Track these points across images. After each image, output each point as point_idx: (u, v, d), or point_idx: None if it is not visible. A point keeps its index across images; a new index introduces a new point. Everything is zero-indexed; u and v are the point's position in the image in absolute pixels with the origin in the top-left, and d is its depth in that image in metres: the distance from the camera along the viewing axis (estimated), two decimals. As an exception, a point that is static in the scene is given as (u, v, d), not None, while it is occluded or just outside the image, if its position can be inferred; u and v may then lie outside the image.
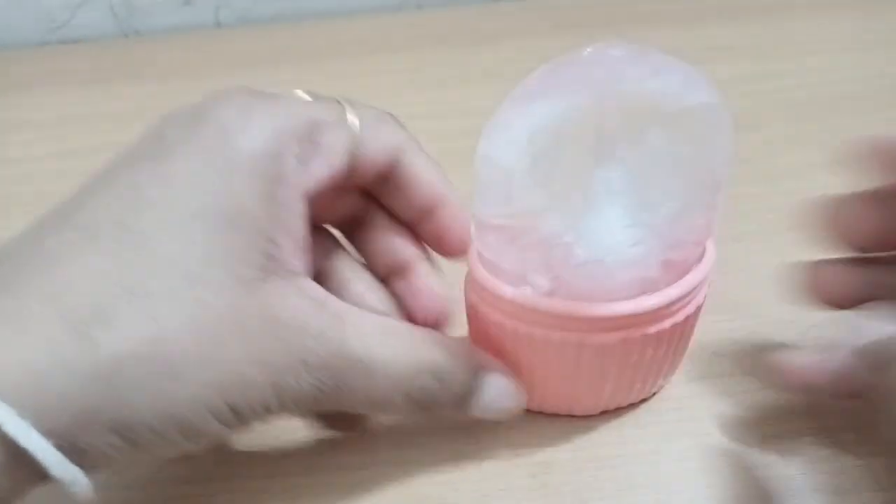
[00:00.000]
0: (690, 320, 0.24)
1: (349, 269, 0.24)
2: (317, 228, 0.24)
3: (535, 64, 0.21)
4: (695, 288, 0.23)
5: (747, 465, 0.24)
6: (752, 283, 0.30)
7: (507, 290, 0.22)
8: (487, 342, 0.23)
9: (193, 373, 0.19)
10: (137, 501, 0.25)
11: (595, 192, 0.21)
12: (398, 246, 0.24)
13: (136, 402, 0.18)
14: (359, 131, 0.22)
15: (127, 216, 0.19)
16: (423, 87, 0.45)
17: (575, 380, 0.23)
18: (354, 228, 0.25)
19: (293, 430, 0.25)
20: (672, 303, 0.22)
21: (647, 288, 0.22)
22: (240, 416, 0.20)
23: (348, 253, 0.25)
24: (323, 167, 0.21)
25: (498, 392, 0.23)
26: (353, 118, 0.23)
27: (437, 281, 0.24)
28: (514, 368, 0.24)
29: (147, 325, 0.19)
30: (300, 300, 0.21)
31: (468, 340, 0.24)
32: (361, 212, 0.25)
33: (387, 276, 0.24)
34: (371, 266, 0.24)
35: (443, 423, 0.25)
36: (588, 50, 0.21)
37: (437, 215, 0.23)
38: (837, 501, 0.22)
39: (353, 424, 0.25)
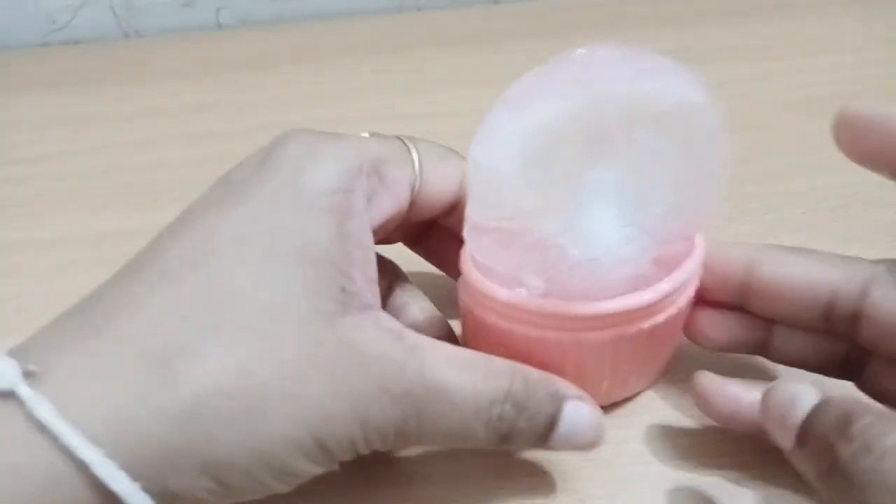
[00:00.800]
0: (683, 313, 0.24)
1: (407, 294, 0.26)
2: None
3: (535, 65, 0.21)
4: (686, 281, 0.23)
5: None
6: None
7: (502, 293, 0.22)
8: (482, 344, 0.23)
9: (278, 408, 0.19)
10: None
11: (588, 193, 0.21)
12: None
13: (223, 439, 0.18)
14: (419, 168, 0.24)
15: (203, 257, 0.20)
16: (422, 89, 0.45)
17: (571, 378, 0.23)
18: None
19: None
20: (665, 297, 0.22)
21: (640, 284, 0.22)
22: (327, 452, 0.20)
23: (406, 278, 0.26)
24: (389, 202, 0.23)
25: (578, 419, 0.22)
26: (415, 155, 0.24)
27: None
28: None
29: (227, 359, 0.19)
30: (377, 332, 0.21)
31: (547, 372, 0.23)
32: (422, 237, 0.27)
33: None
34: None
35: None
36: (579, 51, 0.21)
37: None
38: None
39: None
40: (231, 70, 0.47)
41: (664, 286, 0.22)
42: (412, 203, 0.24)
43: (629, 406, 0.26)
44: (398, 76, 0.46)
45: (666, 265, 0.22)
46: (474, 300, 0.23)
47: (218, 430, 0.18)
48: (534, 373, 0.22)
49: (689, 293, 0.24)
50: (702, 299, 0.24)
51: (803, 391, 0.20)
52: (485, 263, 0.23)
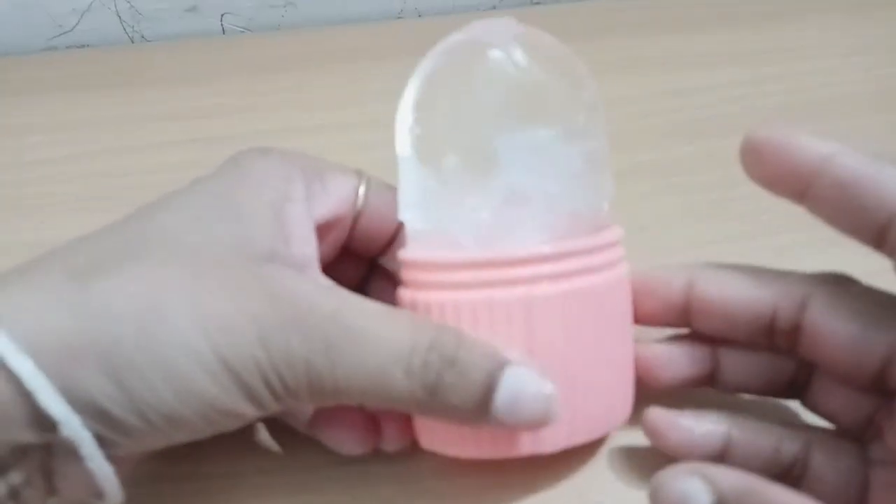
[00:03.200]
0: (625, 292, 0.24)
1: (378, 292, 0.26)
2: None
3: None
4: (614, 244, 0.23)
5: None
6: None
7: (437, 255, 0.23)
8: None
9: (181, 317, 0.20)
10: (138, 497, 0.25)
11: (501, 156, 0.22)
12: None
13: (125, 340, 0.19)
14: (365, 190, 0.25)
15: (149, 213, 0.22)
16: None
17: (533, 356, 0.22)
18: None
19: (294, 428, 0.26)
20: (603, 246, 0.23)
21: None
22: (234, 376, 0.20)
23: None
24: (331, 205, 0.24)
25: (521, 383, 0.21)
26: (363, 187, 0.25)
27: None
28: None
29: (141, 272, 0.20)
30: (300, 278, 0.22)
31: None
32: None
33: None
34: None
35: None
36: (476, 27, 0.24)
37: None
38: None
39: (360, 441, 0.24)
40: (236, 75, 0.48)
41: (596, 238, 0.23)
42: (357, 223, 0.25)
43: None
44: (401, 82, 0.47)
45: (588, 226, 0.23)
46: (412, 279, 0.23)
47: (120, 330, 0.19)
48: (471, 335, 0.21)
49: (623, 271, 0.24)
50: (645, 322, 0.25)
51: (694, 491, 0.19)
52: (422, 237, 0.24)
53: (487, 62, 0.23)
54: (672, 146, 0.39)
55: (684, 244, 0.33)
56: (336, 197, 0.24)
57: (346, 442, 0.24)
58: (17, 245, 0.35)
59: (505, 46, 0.23)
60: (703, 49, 0.46)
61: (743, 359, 0.24)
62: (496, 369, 0.21)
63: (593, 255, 0.23)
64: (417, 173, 0.23)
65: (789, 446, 0.23)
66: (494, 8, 0.56)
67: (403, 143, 0.24)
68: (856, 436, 0.23)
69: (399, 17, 0.56)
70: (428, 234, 0.24)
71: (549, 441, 0.22)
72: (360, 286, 0.28)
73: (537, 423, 0.21)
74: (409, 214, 0.24)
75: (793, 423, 0.24)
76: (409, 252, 0.24)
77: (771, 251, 0.32)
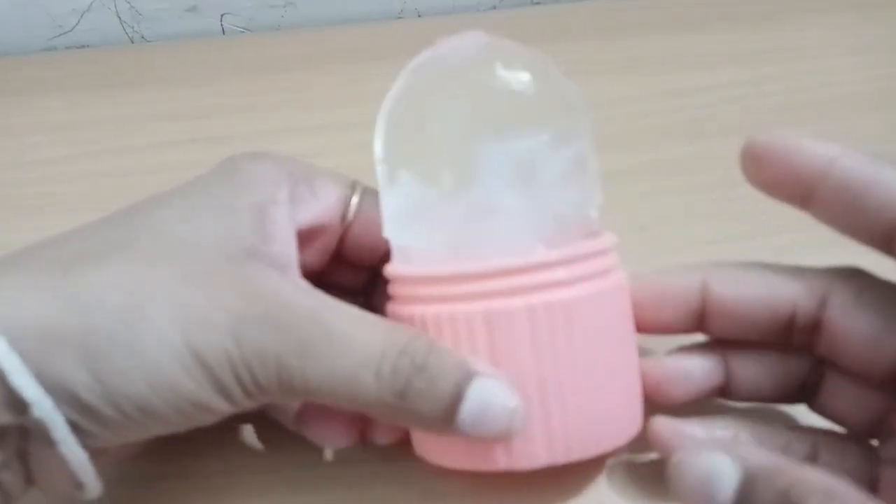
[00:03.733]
0: (606, 308, 0.22)
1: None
2: (332, 286, 0.26)
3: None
4: (591, 256, 0.22)
5: None
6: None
7: (409, 269, 0.23)
8: None
9: (157, 307, 0.20)
10: (135, 496, 0.25)
11: (478, 163, 0.22)
12: None
13: (102, 329, 0.19)
14: (359, 197, 0.25)
15: (136, 209, 0.23)
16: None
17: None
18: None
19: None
20: (566, 261, 0.22)
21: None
22: (204, 366, 0.20)
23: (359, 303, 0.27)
24: (318, 210, 0.24)
25: (488, 395, 0.21)
26: (356, 197, 0.25)
27: None
28: None
29: (123, 265, 0.20)
30: (280, 279, 0.22)
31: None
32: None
33: None
34: None
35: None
36: (443, 45, 0.24)
37: None
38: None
39: (340, 434, 0.24)
40: (235, 75, 0.48)
41: (564, 251, 0.22)
42: (349, 232, 0.25)
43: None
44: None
45: (569, 242, 0.22)
46: (391, 292, 0.24)
47: (97, 317, 0.19)
48: (444, 346, 0.21)
49: (610, 283, 0.23)
50: (660, 331, 0.24)
51: (720, 468, 0.18)
52: (403, 251, 0.24)
53: (456, 76, 0.23)
54: (672, 146, 0.39)
55: (684, 244, 0.33)
56: (323, 204, 0.24)
57: (332, 437, 0.24)
58: (17, 245, 0.35)
59: (472, 58, 0.23)
60: (703, 49, 0.46)
61: (755, 365, 0.24)
62: (464, 379, 0.21)
63: (566, 267, 0.22)
64: (396, 191, 0.23)
65: (798, 448, 0.23)
66: (494, 8, 0.56)
67: (380, 160, 0.24)
68: (864, 437, 0.23)
69: (399, 17, 0.56)
70: (408, 250, 0.24)
71: (525, 458, 0.22)
72: (363, 294, 0.27)
73: (500, 436, 0.21)
74: (391, 231, 0.24)
75: (798, 425, 0.24)
76: (387, 267, 0.24)
77: (771, 251, 0.32)
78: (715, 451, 0.19)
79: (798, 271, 0.23)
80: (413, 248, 0.23)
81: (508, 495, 0.24)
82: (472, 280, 0.22)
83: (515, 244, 0.22)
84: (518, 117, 0.23)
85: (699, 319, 0.24)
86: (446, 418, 0.21)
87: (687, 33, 0.48)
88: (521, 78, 0.23)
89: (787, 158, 0.21)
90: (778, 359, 0.24)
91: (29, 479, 0.20)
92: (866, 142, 0.39)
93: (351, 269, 0.27)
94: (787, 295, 0.22)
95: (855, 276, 0.23)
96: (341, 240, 0.25)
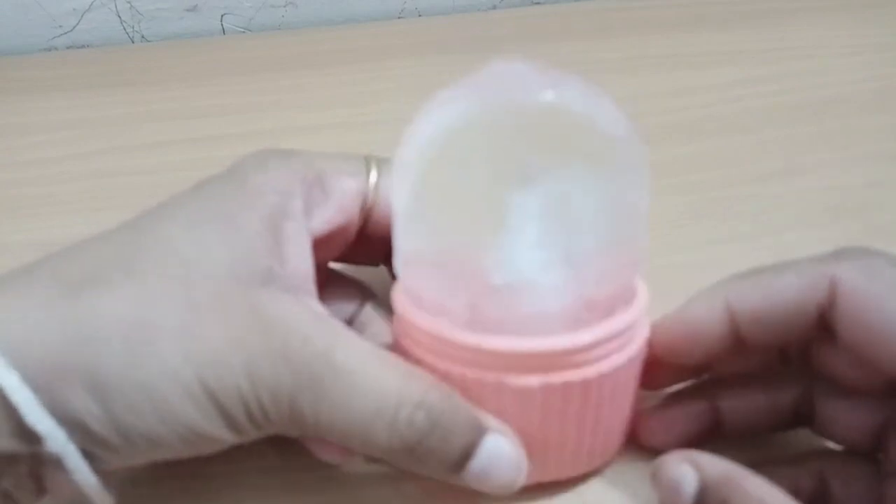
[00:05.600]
0: (622, 375, 0.22)
1: (371, 314, 0.26)
2: (347, 279, 0.26)
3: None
4: (621, 333, 0.21)
5: None
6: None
7: (423, 321, 0.21)
8: None
9: (167, 340, 0.19)
10: (138, 497, 0.25)
11: (513, 217, 0.21)
12: None
13: (111, 360, 0.19)
14: (375, 184, 0.24)
15: (146, 224, 0.22)
16: (423, 94, 0.45)
17: None
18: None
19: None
20: (591, 345, 0.21)
21: (572, 328, 0.21)
22: (216, 403, 0.20)
23: (376, 300, 0.26)
24: (334, 212, 0.23)
25: (497, 454, 0.21)
26: (374, 173, 0.24)
27: None
28: None
29: (133, 291, 0.20)
30: (295, 307, 0.21)
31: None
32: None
33: None
34: None
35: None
36: (495, 63, 0.22)
37: None
38: None
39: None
40: (235, 75, 0.48)
41: (595, 331, 0.21)
42: (368, 219, 0.24)
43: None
44: (400, 81, 0.47)
45: (602, 312, 0.21)
46: (401, 330, 0.23)
47: (107, 349, 0.19)
48: (457, 395, 0.21)
49: (630, 351, 0.22)
50: (699, 371, 0.24)
51: (683, 476, 0.20)
52: (414, 290, 0.22)
53: (503, 118, 0.21)
54: (672, 146, 0.39)
55: (684, 244, 0.33)
56: (339, 204, 0.23)
57: (337, 455, 0.24)
58: (17, 245, 0.36)
59: (522, 99, 0.21)
60: (703, 49, 0.46)
61: (743, 399, 0.24)
62: (477, 437, 0.21)
63: (591, 350, 0.21)
64: (416, 231, 0.22)
65: (806, 484, 0.22)
66: (494, 8, 0.56)
67: (401, 197, 0.22)
68: (867, 453, 0.23)
69: (399, 17, 0.56)
70: (420, 293, 0.22)
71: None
72: (385, 263, 0.26)
73: (504, 490, 0.22)
74: (403, 270, 0.22)
75: (803, 455, 0.24)
76: (396, 300, 0.23)
77: (771, 251, 0.32)
78: (680, 460, 0.21)
79: (804, 263, 0.22)
80: (427, 298, 0.22)
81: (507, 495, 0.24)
82: (489, 354, 0.21)
83: (539, 319, 0.21)
84: (569, 157, 0.21)
85: (734, 341, 0.23)
86: (454, 473, 0.21)
87: (687, 33, 0.48)
88: (579, 124, 0.21)
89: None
90: (765, 389, 0.24)
91: (41, 492, 0.20)
92: (864, 141, 0.39)
93: (374, 242, 0.25)
94: (806, 287, 0.22)
95: (861, 256, 0.22)
96: (363, 221, 0.24)
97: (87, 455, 0.19)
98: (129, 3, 0.53)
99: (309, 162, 0.24)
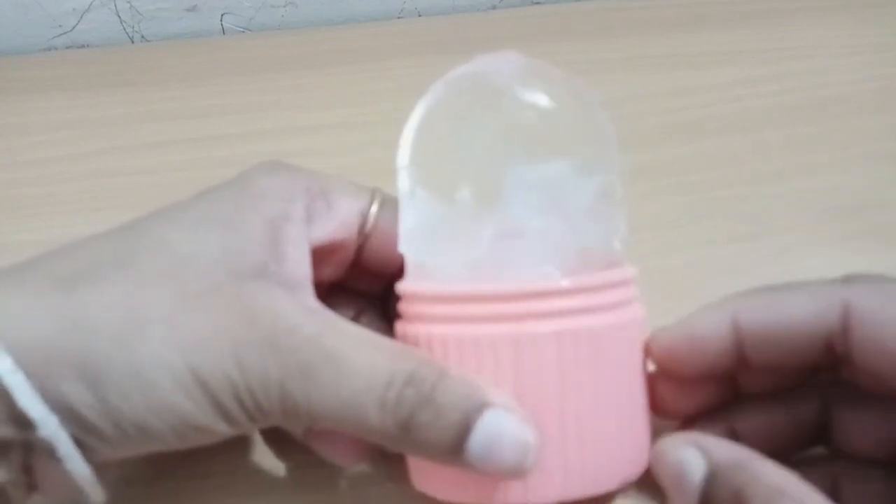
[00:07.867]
0: (624, 340, 0.22)
1: (373, 319, 0.26)
2: (347, 290, 0.26)
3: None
4: (618, 284, 0.22)
5: None
6: (745, 284, 0.30)
7: (423, 285, 0.22)
8: None
9: (158, 330, 0.20)
10: (136, 496, 0.25)
11: (507, 186, 0.22)
12: None
13: (102, 348, 0.19)
14: (377, 209, 0.25)
15: (146, 224, 0.22)
16: (424, 93, 0.45)
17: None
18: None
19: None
20: (592, 288, 0.21)
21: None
22: (206, 391, 0.20)
23: (378, 310, 0.26)
24: (334, 226, 0.24)
25: (497, 430, 0.20)
26: (376, 205, 0.25)
27: None
28: None
29: (125, 284, 0.20)
30: (286, 300, 0.21)
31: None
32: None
33: None
34: None
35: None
36: (480, 62, 0.24)
37: None
38: None
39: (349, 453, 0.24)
40: (235, 75, 0.48)
41: (592, 277, 0.22)
42: (365, 245, 0.25)
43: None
44: (400, 81, 0.47)
45: (596, 267, 0.22)
46: (404, 309, 0.23)
47: (98, 337, 0.19)
48: (455, 373, 0.21)
49: (635, 312, 0.23)
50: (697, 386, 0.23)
51: (690, 460, 0.19)
52: (417, 266, 0.23)
53: (492, 95, 0.23)
54: (672, 146, 0.39)
55: (684, 244, 0.33)
56: (340, 219, 0.24)
57: (342, 457, 0.24)
58: (17, 245, 0.35)
59: (510, 78, 0.23)
60: (703, 49, 0.46)
61: (760, 422, 0.23)
62: (474, 410, 0.20)
63: (594, 294, 0.21)
64: (417, 206, 0.23)
65: (818, 487, 0.22)
66: (494, 8, 0.56)
67: (403, 175, 0.24)
68: (884, 463, 0.22)
69: (399, 17, 0.56)
70: (426, 267, 0.23)
71: (539, 492, 0.21)
72: (381, 299, 0.27)
73: (512, 472, 0.20)
74: (408, 247, 0.23)
75: (814, 459, 0.24)
76: (401, 283, 0.23)
77: (771, 251, 0.32)
78: (686, 444, 0.20)
79: (814, 288, 0.22)
80: (430, 266, 0.23)
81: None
82: (499, 301, 0.21)
83: (539, 269, 0.21)
84: (550, 142, 0.22)
85: (736, 357, 0.22)
86: (453, 451, 0.20)
87: (687, 33, 0.48)
88: (555, 103, 0.23)
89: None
90: (784, 409, 0.23)
91: (32, 488, 0.20)
92: (864, 141, 0.39)
93: (369, 276, 0.26)
94: (816, 309, 0.21)
95: (872, 281, 0.22)
96: (360, 250, 0.25)
97: (79, 445, 0.19)
98: (128, 3, 0.53)
99: (315, 176, 0.24)
